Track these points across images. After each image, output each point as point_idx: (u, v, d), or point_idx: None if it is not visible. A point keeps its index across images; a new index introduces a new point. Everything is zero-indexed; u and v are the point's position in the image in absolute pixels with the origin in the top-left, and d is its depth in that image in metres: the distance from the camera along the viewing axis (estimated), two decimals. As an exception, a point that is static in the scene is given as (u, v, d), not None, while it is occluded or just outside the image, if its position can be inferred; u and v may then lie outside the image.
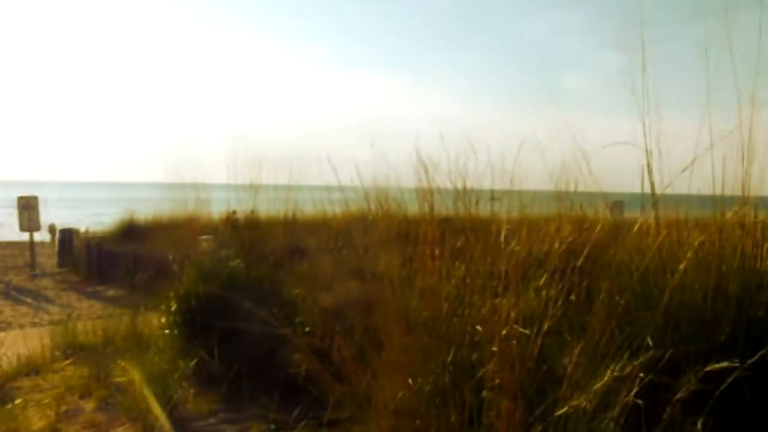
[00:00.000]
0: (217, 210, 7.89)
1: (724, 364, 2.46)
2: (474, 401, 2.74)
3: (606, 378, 2.46)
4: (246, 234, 6.53)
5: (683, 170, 3.07)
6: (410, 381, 2.99)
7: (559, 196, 3.82)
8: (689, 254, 2.92)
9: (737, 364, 2.55)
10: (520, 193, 4.15)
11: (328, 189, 4.76)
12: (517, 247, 3.13)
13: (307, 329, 3.98)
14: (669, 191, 3.44)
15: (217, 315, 5.03)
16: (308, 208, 6.64)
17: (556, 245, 3.31)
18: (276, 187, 6.83)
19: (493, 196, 4.20)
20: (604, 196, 4.39)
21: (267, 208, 7.06)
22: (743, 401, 2.89)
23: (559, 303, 2.94)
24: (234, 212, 7.43)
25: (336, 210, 5.30)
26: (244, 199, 6.91)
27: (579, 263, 3.21)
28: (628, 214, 4.67)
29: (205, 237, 7.22)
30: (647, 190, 3.35)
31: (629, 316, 2.82)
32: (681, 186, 3.44)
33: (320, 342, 3.54)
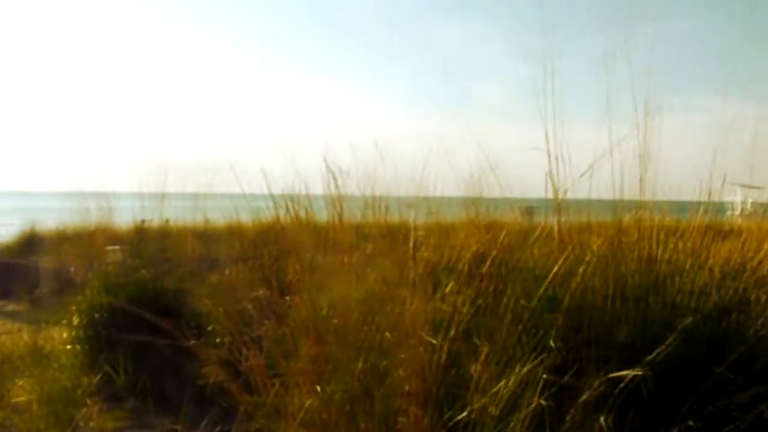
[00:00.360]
0: (124, 220, 7.62)
1: (626, 372, 2.55)
2: (384, 408, 2.73)
3: (512, 381, 2.50)
4: (155, 244, 6.35)
5: (581, 176, 3.18)
6: (320, 390, 2.96)
7: (469, 203, 3.89)
8: (589, 258, 3.01)
9: (639, 371, 2.65)
10: (434, 200, 4.21)
11: (239, 197, 4.68)
12: (426, 254, 3.16)
13: (216, 340, 3.89)
14: (572, 196, 3.56)
15: (124, 328, 4.86)
16: (219, 218, 6.51)
17: (466, 251, 3.36)
18: (184, 196, 6.67)
19: (409, 203, 4.24)
20: (514, 202, 4.50)
21: (176, 217, 6.89)
22: (643, 398, 3.02)
23: (468, 308, 2.99)
24: (143, 222, 7.20)
25: (247, 219, 5.22)
26: (152, 208, 6.71)
27: (487, 268, 3.27)
28: (541, 219, 4.81)
29: (112, 248, 6.96)
30: (552, 195, 3.45)
31: (535, 319, 2.88)
32: (585, 191, 3.57)
33: (230, 353, 3.47)
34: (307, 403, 2.92)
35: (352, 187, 3.63)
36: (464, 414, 2.49)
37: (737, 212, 6.69)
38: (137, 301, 4.95)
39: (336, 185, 3.43)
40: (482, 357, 2.55)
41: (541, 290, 2.99)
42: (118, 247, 6.99)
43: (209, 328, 4.12)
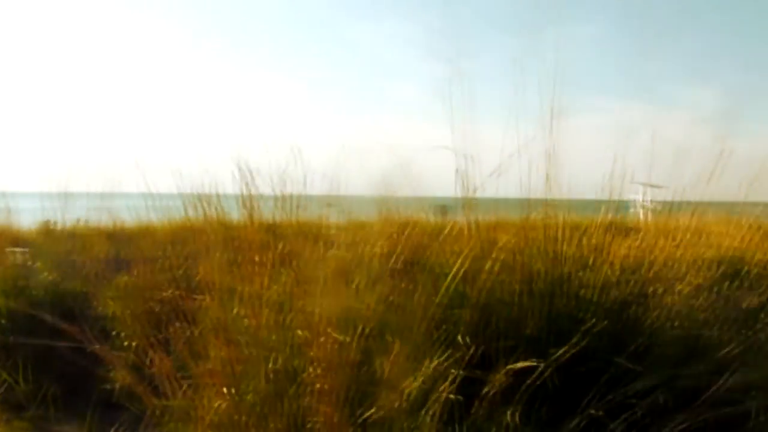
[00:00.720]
0: (28, 221, 7.26)
1: (530, 362, 2.62)
2: (295, 408, 2.72)
3: (421, 376, 2.53)
4: (61, 245, 6.08)
5: (490, 174, 3.26)
6: (232, 391, 2.91)
7: (382, 201, 3.91)
8: (496, 255, 3.09)
9: (540, 362, 2.73)
10: (347, 198, 4.22)
11: (152, 197, 4.56)
12: (339, 252, 3.16)
13: (125, 344, 3.77)
14: (483, 195, 3.64)
15: (25, 334, 4.63)
16: (128, 217, 6.29)
17: (378, 249, 3.38)
18: (89, 195, 6.41)
19: (325, 202, 4.23)
20: (427, 200, 4.56)
21: (85, 217, 6.61)
22: (549, 390, 3.11)
23: (379, 306, 3.01)
24: (49, 222, 6.89)
25: (158, 218, 5.07)
26: (55, 208, 6.43)
27: (399, 265, 3.30)
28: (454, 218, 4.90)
29: (12, 250, 6.62)
30: (466, 193, 3.51)
31: (445, 315, 2.93)
32: (496, 190, 3.65)
33: (138, 356, 3.37)
34: (217, 405, 2.87)
35: (264, 186, 3.60)
36: (374, 410, 2.50)
37: (640, 210, 7.01)
38: (40, 304, 4.74)
39: (247, 184, 3.39)
40: (392, 354, 2.57)
41: (449, 286, 3.04)
42: (19, 249, 6.66)
43: (116, 332, 3.98)
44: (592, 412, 2.87)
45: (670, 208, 4.61)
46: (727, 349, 3.26)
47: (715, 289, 3.62)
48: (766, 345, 3.42)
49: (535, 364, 2.67)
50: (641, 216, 6.58)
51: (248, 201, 3.38)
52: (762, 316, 3.57)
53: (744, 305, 3.64)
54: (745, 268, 4.14)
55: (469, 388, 2.69)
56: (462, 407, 2.63)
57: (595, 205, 3.90)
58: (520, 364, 2.63)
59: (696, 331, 3.32)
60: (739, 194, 4.39)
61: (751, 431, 3.01)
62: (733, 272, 4.06)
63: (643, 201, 6.52)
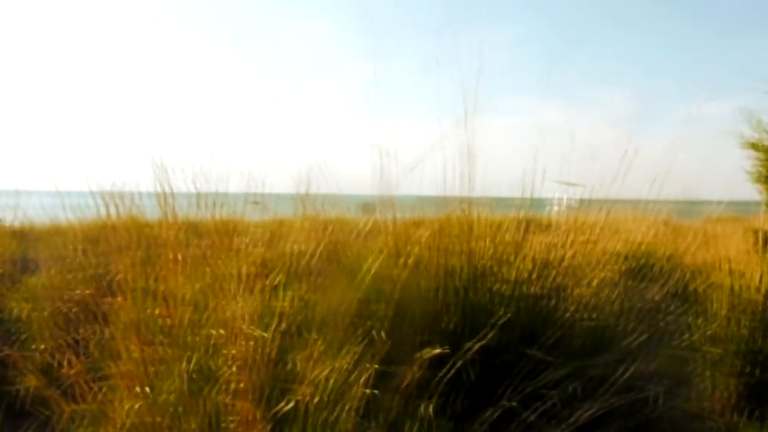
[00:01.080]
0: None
1: (440, 349, 2.67)
2: (212, 407, 2.68)
3: (338, 371, 2.55)
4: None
5: (408, 171, 3.30)
6: (146, 392, 2.85)
7: (303, 199, 3.91)
8: (418, 251, 3.14)
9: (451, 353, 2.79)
10: (269, 196, 4.19)
11: (60, 195, 4.42)
12: (259, 249, 3.14)
13: (32, 347, 3.63)
14: (406, 192, 3.69)
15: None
16: (38, 216, 6.04)
17: (297, 246, 3.38)
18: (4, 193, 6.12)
19: (254, 200, 4.18)
20: (354, 198, 4.58)
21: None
22: (465, 383, 3.19)
23: (299, 302, 3.01)
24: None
25: (70, 217, 4.90)
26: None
27: (319, 263, 3.31)
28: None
29: None
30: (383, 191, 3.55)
31: (362, 310, 2.95)
32: (417, 187, 3.71)
33: (49, 359, 3.26)
34: (131, 406, 2.81)
35: (182, 184, 3.54)
36: (291, 405, 2.50)
37: (558, 207, 7.23)
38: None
39: (163, 182, 3.32)
40: (309, 349, 2.58)
41: (365, 282, 3.07)
42: None
43: (25, 335, 3.83)
44: (506, 403, 2.95)
45: (586, 205, 4.78)
46: (632, 339, 3.41)
47: (623, 282, 3.78)
48: (667, 334, 3.60)
49: (445, 350, 2.72)
50: (559, 213, 6.80)
51: (164, 199, 3.30)
52: (664, 306, 3.76)
53: (649, 297, 3.81)
54: (651, 261, 4.35)
55: (386, 382, 2.73)
56: (378, 401, 2.66)
57: (512, 202, 4.01)
58: (428, 353, 2.68)
59: (604, 323, 3.46)
60: (647, 192, 4.60)
61: (653, 415, 3.16)
62: (640, 266, 4.26)
63: (561, 199, 6.73)
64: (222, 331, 2.76)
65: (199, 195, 3.41)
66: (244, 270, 3.01)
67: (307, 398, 2.43)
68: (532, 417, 3.00)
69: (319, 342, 2.65)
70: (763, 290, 4.38)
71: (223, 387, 2.63)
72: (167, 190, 3.36)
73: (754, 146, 6.46)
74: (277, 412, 2.54)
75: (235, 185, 3.72)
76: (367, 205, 5.23)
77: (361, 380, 2.52)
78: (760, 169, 6.48)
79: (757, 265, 4.70)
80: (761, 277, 4.55)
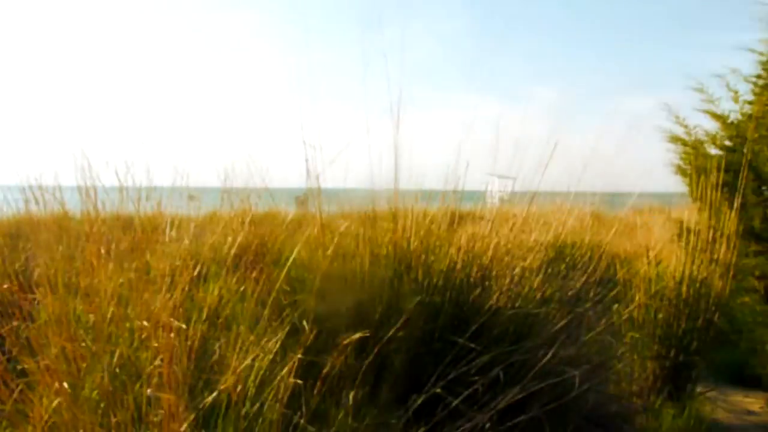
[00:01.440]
0: None
1: (361, 333, 2.72)
2: (138, 400, 2.66)
3: (264, 361, 2.56)
4: None
5: (331, 162, 3.33)
6: (71, 388, 2.80)
7: (230, 193, 3.89)
8: (340, 240, 3.17)
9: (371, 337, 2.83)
10: (196, 189, 4.15)
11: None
12: (186, 242, 3.12)
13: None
14: (336, 186, 3.71)
15: None
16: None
17: (230, 238, 3.37)
18: None
19: (190, 194, 4.14)
20: (292, 191, 4.57)
21: None
22: (395, 371, 3.24)
23: (228, 295, 3.01)
24: None
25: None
26: None
27: (248, 255, 3.31)
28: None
29: None
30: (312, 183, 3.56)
31: (289, 300, 2.97)
32: (348, 181, 3.73)
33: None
34: (55, 403, 2.75)
35: (108, 178, 3.49)
36: (215, 396, 2.50)
37: (492, 199, 7.37)
38: None
39: (89, 175, 3.27)
40: (233, 340, 2.59)
41: (291, 272, 3.09)
42: None
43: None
44: (432, 389, 3.01)
45: (518, 197, 4.89)
46: (555, 325, 3.53)
47: (548, 271, 3.90)
48: (589, 320, 3.74)
49: (365, 335, 2.76)
50: (493, 205, 6.94)
51: (86, 192, 3.25)
52: (586, 293, 3.89)
53: (572, 284, 3.94)
54: (576, 251, 4.49)
55: (312, 371, 2.75)
56: (305, 390, 2.69)
57: (443, 194, 4.08)
58: (347, 339, 2.72)
59: (528, 310, 3.56)
60: (574, 183, 4.75)
61: (574, 399, 3.28)
62: (565, 255, 4.40)
63: (495, 191, 6.86)
64: (146, 323, 2.74)
65: (122, 188, 3.35)
66: (170, 263, 2.99)
67: (231, 389, 2.44)
68: (458, 403, 3.08)
69: (244, 333, 2.66)
70: (678, 277, 4.58)
71: (148, 380, 2.61)
72: (90, 183, 3.30)
73: (676, 140, 6.72)
74: (202, 404, 2.54)
75: (163, 178, 3.68)
76: (301, 198, 5.24)
77: (284, 371, 2.53)
78: (682, 162, 6.74)
79: (675, 254, 4.92)
80: (683, 265, 4.77)
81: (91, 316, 3.02)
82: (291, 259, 3.02)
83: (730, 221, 4.89)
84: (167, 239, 3.26)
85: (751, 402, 5.13)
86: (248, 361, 2.49)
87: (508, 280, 3.64)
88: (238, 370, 2.42)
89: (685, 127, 6.64)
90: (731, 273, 4.81)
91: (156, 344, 2.63)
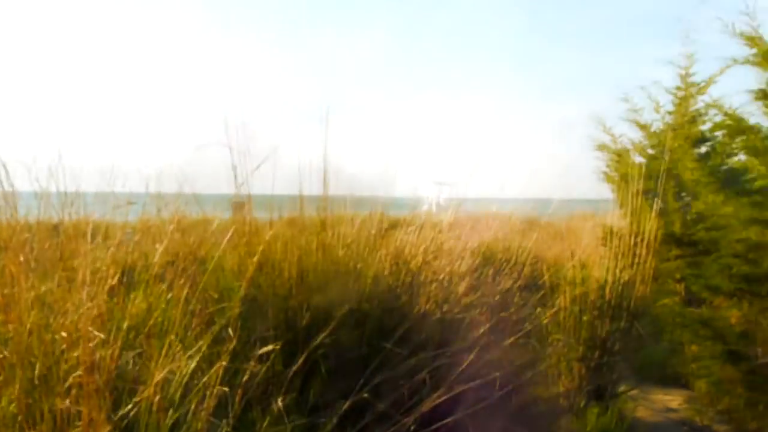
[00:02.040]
0: None
1: (273, 346, 2.73)
2: (57, 414, 2.61)
3: (188, 369, 2.55)
4: None
5: (255, 169, 3.33)
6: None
7: (160, 199, 3.85)
8: (265, 248, 3.18)
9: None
10: (122, 196, 4.08)
11: None
12: (112, 250, 3.07)
13: None
14: (277, 192, 3.72)
15: None
16: None
17: (159, 246, 3.33)
18: None
19: (128, 200, 4.06)
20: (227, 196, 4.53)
21: None
22: (322, 377, 3.26)
23: (151, 302, 2.98)
24: None
25: None
26: None
27: (180, 262, 3.28)
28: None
29: None
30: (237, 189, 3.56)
31: (215, 308, 2.97)
32: (275, 187, 3.73)
33: None
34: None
35: (29, 184, 3.41)
36: (136, 407, 2.48)
37: (428, 206, 7.47)
38: None
39: (6, 180, 3.18)
40: (155, 349, 2.57)
41: (218, 281, 3.09)
42: None
43: None
44: (359, 395, 3.05)
45: (453, 203, 4.98)
46: (481, 329, 3.61)
47: (475, 276, 3.99)
48: (515, 323, 3.84)
49: (276, 346, 2.77)
50: (432, 211, 7.05)
51: (3, 198, 3.17)
52: (512, 297, 4.00)
53: (500, 289, 4.05)
54: (505, 255, 4.60)
55: (237, 379, 2.75)
56: (229, 398, 2.68)
57: (374, 200, 4.13)
58: (266, 349, 2.73)
59: (455, 315, 3.64)
60: (507, 190, 4.87)
61: (499, 401, 3.37)
62: (494, 260, 4.51)
63: (433, 197, 6.97)
64: (65, 335, 2.69)
65: (44, 194, 3.28)
66: (94, 272, 2.94)
67: (153, 399, 2.42)
68: (384, 407, 3.12)
69: (168, 341, 2.64)
70: (602, 281, 4.75)
71: (68, 392, 2.57)
72: (8, 188, 3.21)
73: (603, 148, 6.97)
74: (125, 414, 2.51)
75: (89, 184, 3.62)
76: (236, 204, 5.21)
77: (205, 378, 2.53)
78: (608, 169, 7.00)
79: (600, 258, 5.09)
80: (607, 269, 4.94)
81: (10, 327, 2.95)
82: (218, 267, 3.01)
83: (651, 226, 5.09)
84: (93, 246, 3.20)
85: (671, 399, 5.36)
86: (170, 368, 2.47)
87: (435, 285, 3.71)
88: (156, 379, 2.40)
89: (611, 135, 6.88)
90: (651, 276, 5.00)
91: (74, 354, 2.59)
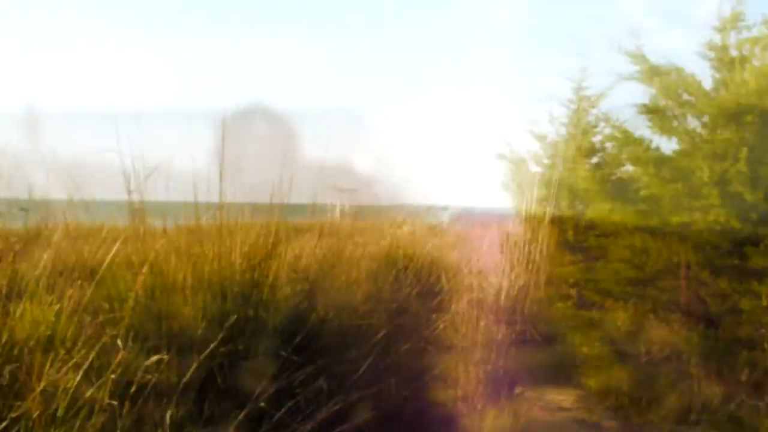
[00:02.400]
0: None
1: (161, 356, 2.69)
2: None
3: (75, 380, 2.48)
4: None
5: (147, 176, 3.27)
6: None
7: (50, 205, 3.71)
8: (158, 256, 3.12)
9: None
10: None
11: None
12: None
13: None
14: (171, 199, 3.63)
15: None
16: None
17: (47, 255, 3.21)
18: None
19: (21, 206, 3.87)
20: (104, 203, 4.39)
21: None
22: (219, 387, 3.23)
23: (42, 313, 2.86)
24: None
25: None
26: None
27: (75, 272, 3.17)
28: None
29: None
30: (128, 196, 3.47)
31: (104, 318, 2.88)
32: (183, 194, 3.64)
33: None
34: None
35: None
36: (14, 423, 2.38)
37: (334, 212, 7.50)
38: None
39: None
40: (36, 361, 2.48)
41: (110, 290, 3.01)
42: None
43: None
44: (256, 404, 3.03)
45: (357, 210, 5.02)
46: (379, 335, 3.67)
47: (374, 283, 4.05)
48: (412, 329, 3.92)
49: (163, 357, 2.73)
50: (333, 218, 7.08)
51: None
52: (408, 303, 4.08)
53: (398, 296, 4.12)
54: (405, 262, 4.70)
55: (127, 391, 2.69)
56: (120, 411, 2.62)
57: (271, 207, 4.09)
58: (155, 358, 2.69)
59: (353, 321, 3.68)
60: (415, 197, 4.96)
61: (396, 406, 3.43)
62: (394, 267, 4.58)
63: (339, 204, 7.00)
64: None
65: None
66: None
67: (33, 414, 2.33)
68: (282, 415, 3.12)
69: (53, 353, 2.55)
70: (498, 286, 4.91)
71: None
72: None
73: (501, 157, 7.22)
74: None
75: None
76: (135, 208, 5.05)
77: (91, 390, 2.46)
78: (507, 178, 7.26)
79: (497, 264, 5.26)
80: (503, 274, 5.10)
81: None
82: (107, 276, 2.93)
83: (546, 233, 5.30)
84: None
85: (564, 399, 5.59)
86: (51, 381, 2.39)
87: (332, 293, 3.74)
88: (37, 392, 2.32)
89: (509, 145, 7.14)
90: (546, 281, 5.22)
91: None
